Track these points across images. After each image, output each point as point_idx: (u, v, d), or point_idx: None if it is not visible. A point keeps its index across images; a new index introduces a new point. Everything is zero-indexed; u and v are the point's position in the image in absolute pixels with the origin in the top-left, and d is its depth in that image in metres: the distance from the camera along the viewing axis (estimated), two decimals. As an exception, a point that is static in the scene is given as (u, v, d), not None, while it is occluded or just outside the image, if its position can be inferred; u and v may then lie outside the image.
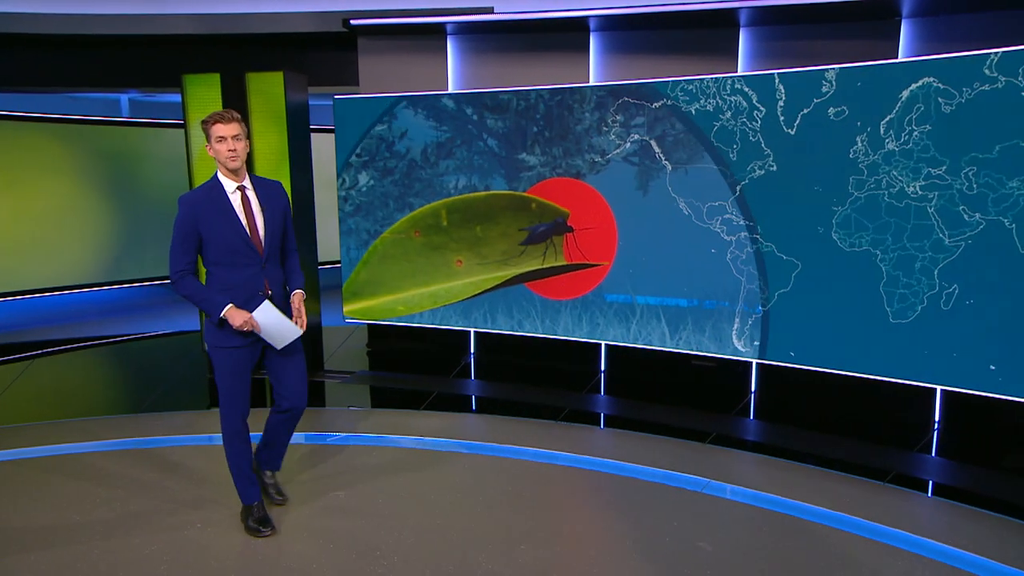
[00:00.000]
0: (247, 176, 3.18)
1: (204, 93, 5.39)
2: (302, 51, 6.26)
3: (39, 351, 6.62)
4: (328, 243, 6.97)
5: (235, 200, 3.12)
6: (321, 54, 6.26)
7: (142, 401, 5.27)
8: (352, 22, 5.57)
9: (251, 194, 3.17)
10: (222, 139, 3.05)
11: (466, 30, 5.56)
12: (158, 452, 4.18)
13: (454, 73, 5.74)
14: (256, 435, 3.38)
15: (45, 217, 7.98)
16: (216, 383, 3.20)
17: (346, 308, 5.78)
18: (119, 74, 6.78)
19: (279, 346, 3.20)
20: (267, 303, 3.14)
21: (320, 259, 6.26)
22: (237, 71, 5.38)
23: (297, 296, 3.26)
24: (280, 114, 5.35)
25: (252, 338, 3.17)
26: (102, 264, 8.52)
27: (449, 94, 5.28)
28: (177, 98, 6.57)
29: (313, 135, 5.87)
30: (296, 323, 3.21)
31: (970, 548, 3.17)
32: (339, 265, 5.83)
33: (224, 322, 3.09)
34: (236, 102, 5.32)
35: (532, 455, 4.18)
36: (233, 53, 6.30)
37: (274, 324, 3.14)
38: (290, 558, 3.06)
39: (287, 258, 3.33)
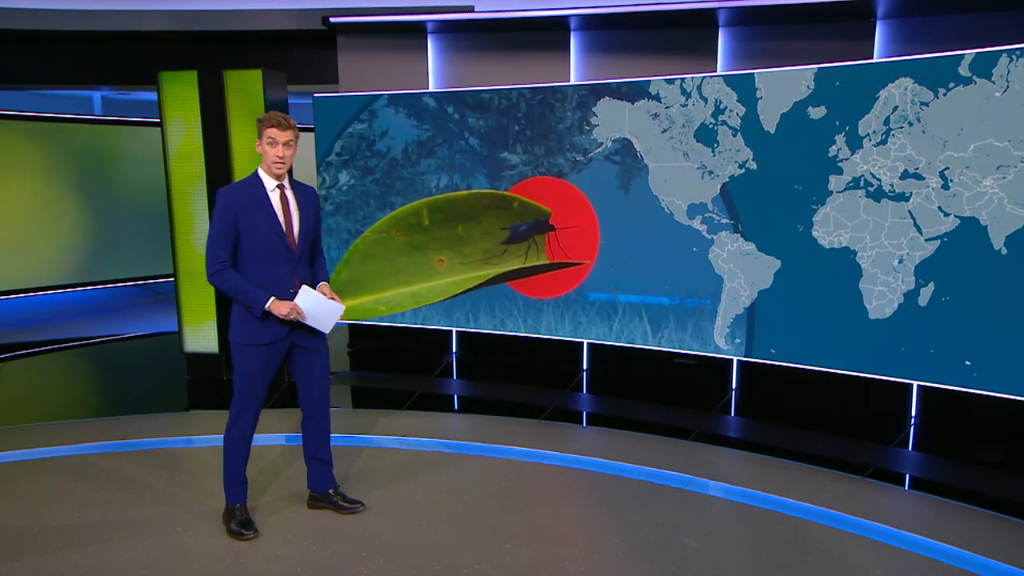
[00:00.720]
0: (287, 177, 3.21)
1: (181, 91, 5.31)
2: (281, 49, 6.20)
3: (12, 353, 6.49)
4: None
5: (274, 198, 3.15)
6: (300, 52, 6.21)
7: (120, 403, 5.19)
8: (332, 20, 5.53)
9: (289, 193, 3.20)
10: (273, 142, 3.07)
11: (447, 29, 5.55)
12: (138, 454, 4.12)
13: (435, 72, 5.73)
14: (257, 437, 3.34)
15: (16, 217, 7.83)
16: (234, 382, 3.17)
17: (327, 308, 5.73)
18: (93, 71, 6.66)
19: (327, 329, 3.22)
20: (305, 287, 3.16)
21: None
22: (215, 68, 5.31)
23: (323, 286, 3.28)
24: (258, 112, 5.27)
25: (286, 333, 3.16)
26: (77, 265, 8.37)
27: (430, 93, 5.26)
28: (152, 96, 6.49)
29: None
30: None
31: (947, 540, 3.23)
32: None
33: (268, 314, 3.09)
34: (214, 100, 5.25)
35: (516, 454, 4.18)
36: (211, 50, 6.22)
37: (317, 307, 3.16)
38: (274, 561, 3.03)
39: (315, 259, 3.36)
